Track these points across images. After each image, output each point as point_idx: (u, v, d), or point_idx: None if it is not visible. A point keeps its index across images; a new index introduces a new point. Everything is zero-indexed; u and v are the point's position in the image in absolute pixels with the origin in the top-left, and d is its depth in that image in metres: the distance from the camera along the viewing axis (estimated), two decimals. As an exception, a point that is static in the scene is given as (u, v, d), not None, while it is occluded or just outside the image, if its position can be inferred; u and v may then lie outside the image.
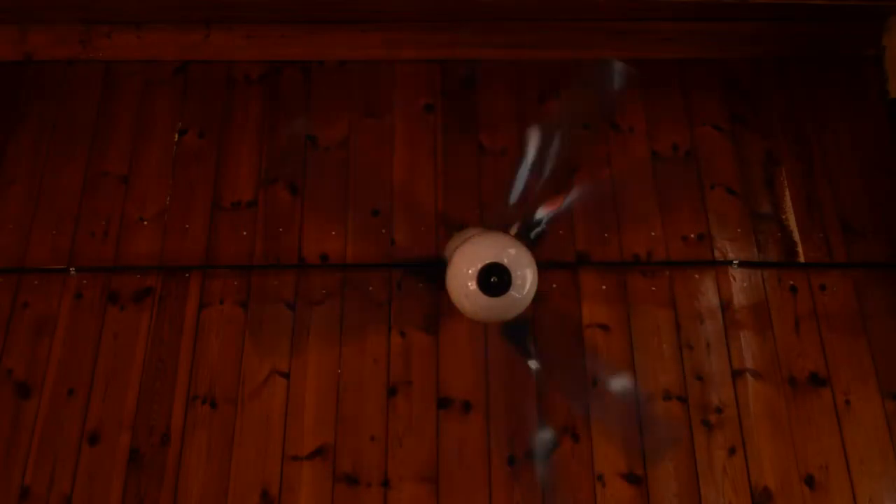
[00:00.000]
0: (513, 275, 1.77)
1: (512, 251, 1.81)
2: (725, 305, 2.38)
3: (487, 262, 1.78)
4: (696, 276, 2.42)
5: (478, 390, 2.27)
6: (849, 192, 2.54)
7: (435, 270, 1.83)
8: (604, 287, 2.40)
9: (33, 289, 2.37)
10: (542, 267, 1.95)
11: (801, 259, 2.45)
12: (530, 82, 2.69)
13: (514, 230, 1.95)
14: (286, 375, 2.28)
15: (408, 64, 2.72)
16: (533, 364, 2.03)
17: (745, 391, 2.28)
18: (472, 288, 1.78)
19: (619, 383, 2.30)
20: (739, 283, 2.41)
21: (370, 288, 2.38)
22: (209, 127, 2.61)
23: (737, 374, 2.30)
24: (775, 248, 2.47)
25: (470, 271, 1.79)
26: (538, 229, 1.95)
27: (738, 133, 2.63)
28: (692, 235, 2.48)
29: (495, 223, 2.02)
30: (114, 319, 2.33)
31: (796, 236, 2.48)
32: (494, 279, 1.77)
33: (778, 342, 2.34)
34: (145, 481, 2.15)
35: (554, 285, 2.38)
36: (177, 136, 2.60)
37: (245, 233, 2.45)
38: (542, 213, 1.96)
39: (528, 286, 1.81)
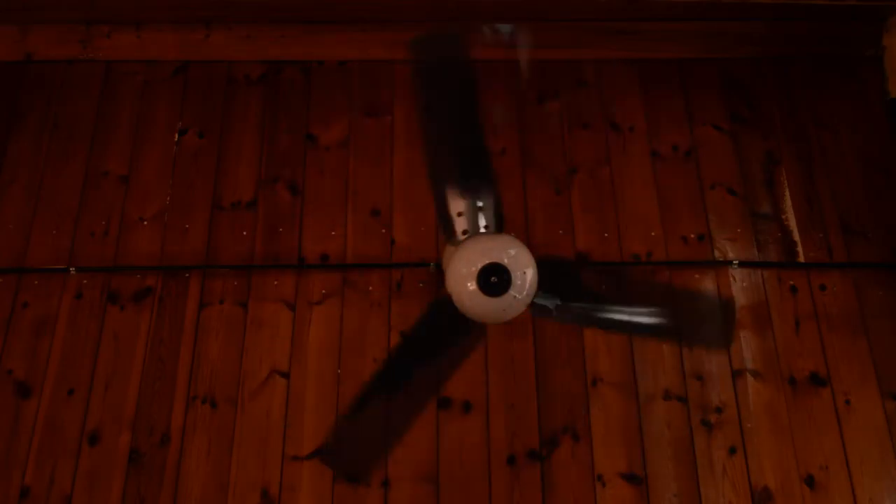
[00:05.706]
0: (513, 275, 1.77)
1: (512, 251, 1.81)
2: (725, 305, 2.38)
3: (487, 262, 1.78)
4: (696, 276, 2.42)
5: (478, 390, 2.27)
6: (849, 192, 2.54)
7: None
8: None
9: (33, 289, 2.37)
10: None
11: (801, 259, 2.45)
12: (530, 82, 2.69)
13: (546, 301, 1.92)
14: (286, 375, 2.28)
15: (408, 64, 2.71)
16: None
17: (745, 391, 2.28)
18: (472, 288, 1.77)
19: (620, 383, 2.30)
20: (739, 283, 2.41)
21: (370, 288, 2.38)
22: (209, 127, 2.61)
23: (737, 374, 2.30)
24: (775, 248, 2.47)
25: (470, 271, 1.79)
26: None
27: (738, 133, 2.63)
28: (692, 235, 2.47)
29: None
30: (114, 319, 2.33)
31: (796, 236, 2.48)
32: (494, 279, 1.77)
33: (778, 342, 2.34)
34: (145, 481, 2.15)
35: (554, 285, 2.38)
36: (177, 136, 2.60)
37: (245, 233, 2.45)
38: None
39: (528, 286, 1.80)
